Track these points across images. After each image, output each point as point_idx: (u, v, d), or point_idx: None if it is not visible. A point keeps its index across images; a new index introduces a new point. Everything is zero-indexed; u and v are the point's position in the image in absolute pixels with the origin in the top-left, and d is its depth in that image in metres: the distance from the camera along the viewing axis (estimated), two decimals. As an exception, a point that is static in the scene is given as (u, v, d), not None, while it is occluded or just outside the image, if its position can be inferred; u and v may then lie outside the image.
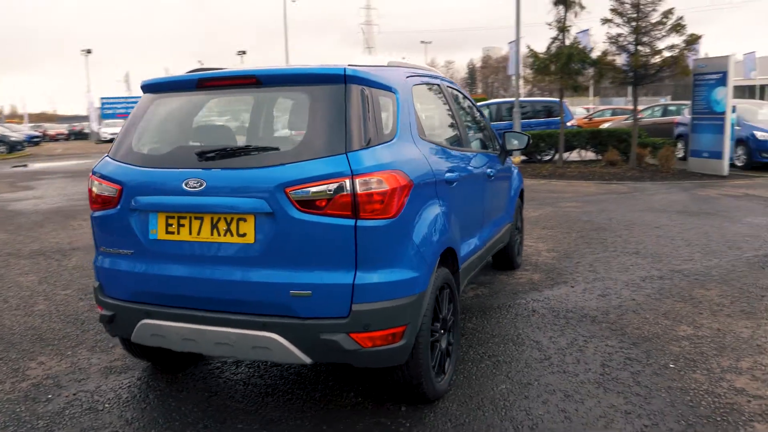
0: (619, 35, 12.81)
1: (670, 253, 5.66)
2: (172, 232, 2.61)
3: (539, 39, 14.51)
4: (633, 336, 3.60)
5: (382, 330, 2.42)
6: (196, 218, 2.56)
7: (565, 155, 14.54)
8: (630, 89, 15.24)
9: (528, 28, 15.91)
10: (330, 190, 2.36)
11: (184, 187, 2.54)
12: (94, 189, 2.82)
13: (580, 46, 13.28)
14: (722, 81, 11.95)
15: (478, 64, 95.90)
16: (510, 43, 17.57)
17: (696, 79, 12.50)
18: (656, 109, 19.01)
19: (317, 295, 2.40)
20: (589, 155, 15.23)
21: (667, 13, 12.17)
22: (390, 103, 2.75)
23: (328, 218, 2.37)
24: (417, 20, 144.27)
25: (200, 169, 2.56)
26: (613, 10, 12.78)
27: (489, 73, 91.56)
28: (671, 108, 18.16)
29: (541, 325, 3.83)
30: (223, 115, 3.84)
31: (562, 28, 13.28)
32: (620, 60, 12.81)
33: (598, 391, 2.90)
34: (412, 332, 2.53)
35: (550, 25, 13.44)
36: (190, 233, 2.57)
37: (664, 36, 12.39)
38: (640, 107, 15.84)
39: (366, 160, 2.41)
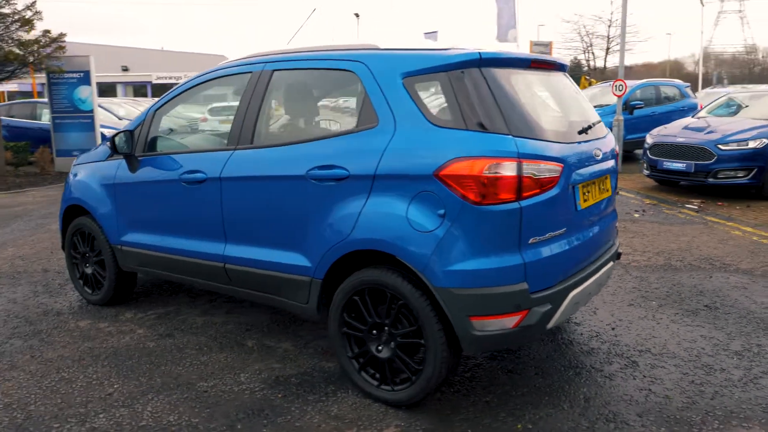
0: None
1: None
2: (587, 200, 3.11)
3: None
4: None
5: None
6: (593, 183, 3.18)
7: None
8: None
9: None
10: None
11: (595, 156, 3.18)
12: (533, 173, 2.70)
13: None
14: (85, 80, 13.29)
15: None
16: None
17: (54, 78, 13.15)
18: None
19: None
20: None
21: (30, 7, 12.20)
22: None
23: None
24: None
25: (592, 140, 3.21)
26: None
27: None
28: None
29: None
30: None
31: None
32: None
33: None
34: None
35: None
36: (594, 197, 3.19)
37: (18, 30, 12.32)
38: None
39: None
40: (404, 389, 2.98)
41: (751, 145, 8.11)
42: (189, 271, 3.90)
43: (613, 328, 4.03)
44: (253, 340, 3.93)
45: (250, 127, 3.48)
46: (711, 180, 8.34)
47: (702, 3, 36.89)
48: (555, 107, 3.35)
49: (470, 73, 2.82)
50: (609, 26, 39.60)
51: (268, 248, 3.40)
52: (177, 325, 4.21)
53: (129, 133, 4.02)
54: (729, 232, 6.64)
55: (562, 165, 2.85)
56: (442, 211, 2.73)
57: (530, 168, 2.69)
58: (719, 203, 8.29)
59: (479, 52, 2.85)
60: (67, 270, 5.50)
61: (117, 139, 3.93)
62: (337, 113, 3.52)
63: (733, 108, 10.00)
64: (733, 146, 8.19)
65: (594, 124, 3.39)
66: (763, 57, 68.65)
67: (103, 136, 13.94)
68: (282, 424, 2.92)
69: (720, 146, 8.23)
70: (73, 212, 4.74)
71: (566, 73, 3.62)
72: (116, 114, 16.95)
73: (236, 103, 3.58)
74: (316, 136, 3.26)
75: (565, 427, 2.87)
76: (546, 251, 2.82)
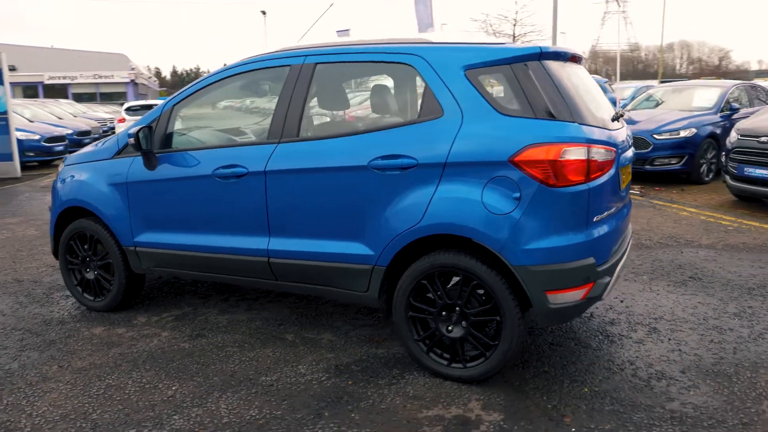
0: None
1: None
2: (623, 182, 3.42)
3: None
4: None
5: None
6: (625, 167, 3.44)
7: None
8: None
9: None
10: None
11: (626, 143, 3.50)
12: (597, 157, 2.97)
13: None
14: (-2, 79, 12.33)
15: None
16: None
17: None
18: None
19: None
20: None
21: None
22: None
23: None
24: None
25: (621, 128, 3.50)
26: None
27: None
28: None
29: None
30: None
31: None
32: None
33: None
34: None
35: None
36: (625, 180, 3.50)
37: None
38: None
39: None
40: (477, 365, 3.16)
41: (682, 134, 8.97)
42: (222, 267, 3.86)
43: (621, 301, 4.41)
44: (291, 333, 3.95)
45: (295, 120, 3.51)
46: (648, 167, 9.13)
47: (619, 5, 39.50)
48: (592, 97, 3.63)
49: (532, 66, 3.05)
50: (514, 25, 41.26)
51: (322, 239, 3.46)
52: (202, 325, 4.14)
53: (148, 129, 3.91)
54: (678, 213, 7.34)
55: (615, 150, 3.17)
56: (517, 194, 2.93)
57: (594, 152, 2.96)
58: (656, 188, 9.09)
59: (539, 47, 3.10)
60: (56, 278, 5.26)
61: (141, 135, 3.82)
62: (392, 105, 3.60)
63: (653, 102, 10.97)
64: (666, 135, 9.02)
65: (619, 113, 3.73)
66: (645, 55, 74.90)
67: (18, 140, 13.04)
68: (367, 408, 3.02)
69: (655, 136, 9.04)
70: (67, 216, 4.52)
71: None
72: (22, 115, 15.87)
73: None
74: (373, 127, 3.35)
75: (625, 386, 3.17)
76: (604, 228, 3.12)
